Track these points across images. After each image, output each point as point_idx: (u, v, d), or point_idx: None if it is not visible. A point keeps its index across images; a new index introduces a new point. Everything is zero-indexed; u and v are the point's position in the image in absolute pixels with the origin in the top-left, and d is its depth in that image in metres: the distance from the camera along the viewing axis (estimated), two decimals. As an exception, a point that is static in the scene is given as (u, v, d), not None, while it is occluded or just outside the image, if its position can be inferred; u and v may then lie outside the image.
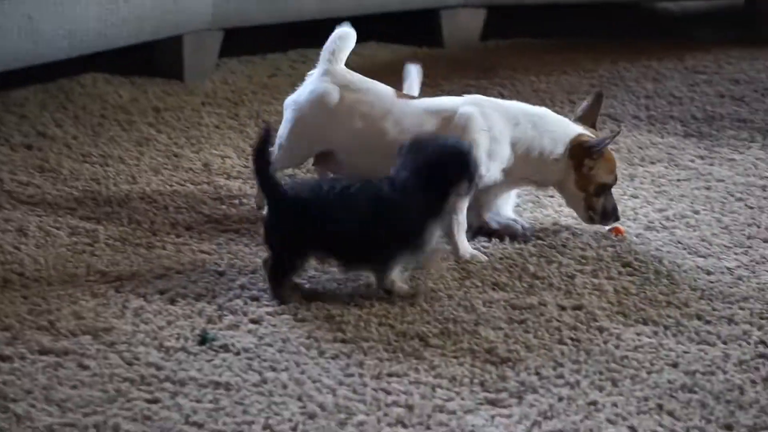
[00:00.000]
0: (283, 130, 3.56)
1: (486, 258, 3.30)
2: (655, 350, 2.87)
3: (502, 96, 4.54)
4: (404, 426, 2.56)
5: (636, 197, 3.73)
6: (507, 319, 3.00)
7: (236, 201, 3.70)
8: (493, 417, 2.60)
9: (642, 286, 3.18)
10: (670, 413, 2.62)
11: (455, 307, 3.05)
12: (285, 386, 2.69)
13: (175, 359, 2.80)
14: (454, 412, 2.61)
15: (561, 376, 2.75)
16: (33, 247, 3.34)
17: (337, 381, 2.71)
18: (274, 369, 2.76)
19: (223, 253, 3.35)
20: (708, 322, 3.00)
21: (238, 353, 2.82)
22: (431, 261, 3.21)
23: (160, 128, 4.29)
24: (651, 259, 3.34)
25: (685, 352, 2.86)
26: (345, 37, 3.55)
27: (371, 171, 3.33)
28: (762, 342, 2.91)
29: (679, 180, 3.93)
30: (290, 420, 2.57)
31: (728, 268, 3.30)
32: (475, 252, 3.32)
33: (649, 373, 2.77)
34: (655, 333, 2.95)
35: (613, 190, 3.49)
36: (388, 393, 2.67)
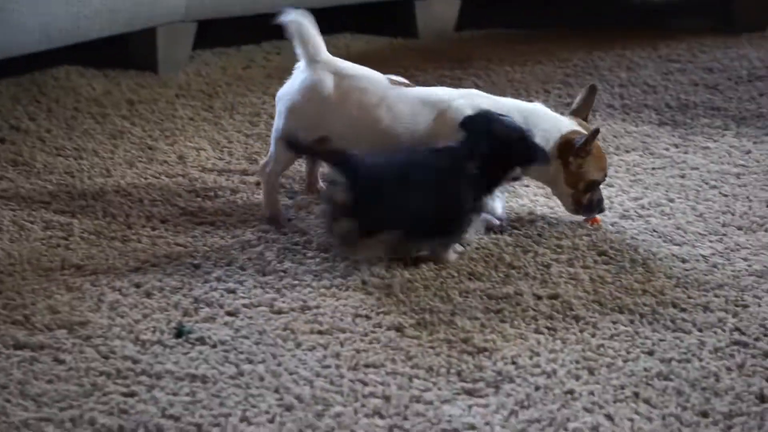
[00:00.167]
0: (277, 123, 3.53)
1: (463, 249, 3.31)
2: (631, 338, 2.88)
3: (477, 86, 4.54)
4: (381, 417, 2.56)
5: (611, 186, 3.73)
6: (483, 309, 3.00)
7: (211, 193, 3.69)
8: (470, 407, 2.60)
9: (617, 275, 3.19)
10: (647, 401, 2.62)
11: (431, 297, 3.05)
12: (262, 378, 2.69)
13: (151, 352, 2.79)
14: (431, 403, 2.61)
15: (537, 365, 2.75)
16: (7, 242, 3.32)
17: (314, 372, 2.71)
18: (250, 361, 2.76)
19: (198, 245, 3.34)
20: (683, 310, 3.01)
21: (214, 346, 2.82)
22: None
23: (134, 121, 4.28)
24: (626, 247, 3.35)
25: (661, 340, 2.87)
26: (300, 21, 3.45)
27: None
28: (737, 329, 2.92)
29: (653, 168, 3.94)
30: (267, 412, 2.57)
31: (703, 256, 3.31)
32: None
33: (625, 361, 2.78)
34: (631, 321, 2.96)
35: (589, 178, 3.50)
36: (365, 384, 2.67)
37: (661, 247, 3.36)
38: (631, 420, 2.56)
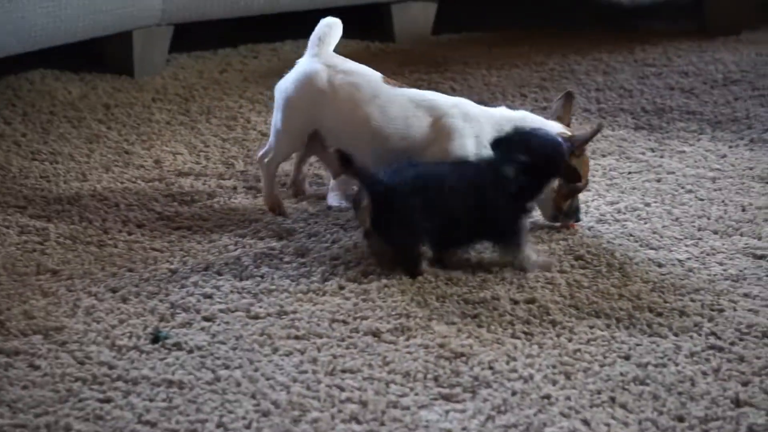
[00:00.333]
0: (276, 116, 3.53)
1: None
2: (608, 343, 2.88)
3: (454, 90, 4.55)
4: (358, 422, 2.56)
5: (587, 190, 3.74)
6: (460, 314, 3.00)
7: (188, 198, 3.68)
8: (447, 412, 2.60)
9: (594, 279, 3.19)
10: (623, 406, 2.63)
11: (408, 302, 3.05)
12: (238, 384, 2.68)
13: (127, 358, 2.78)
14: (408, 408, 2.61)
15: (514, 370, 2.76)
16: (-18, 247, 3.31)
17: (291, 378, 2.71)
18: (227, 367, 2.75)
19: (175, 250, 3.33)
20: (659, 315, 3.02)
21: (191, 351, 2.81)
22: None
23: (110, 125, 4.26)
24: (603, 252, 3.36)
25: (637, 345, 2.88)
26: (332, 25, 3.56)
27: (354, 154, 3.34)
28: (713, 333, 2.93)
29: (630, 172, 3.95)
30: (244, 418, 2.56)
31: (679, 260, 3.32)
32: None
33: (601, 365, 2.79)
34: (608, 326, 2.96)
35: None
36: (342, 389, 2.67)
37: (638, 252, 3.37)
38: (608, 425, 2.57)
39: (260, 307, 3.02)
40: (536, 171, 3.21)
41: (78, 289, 3.09)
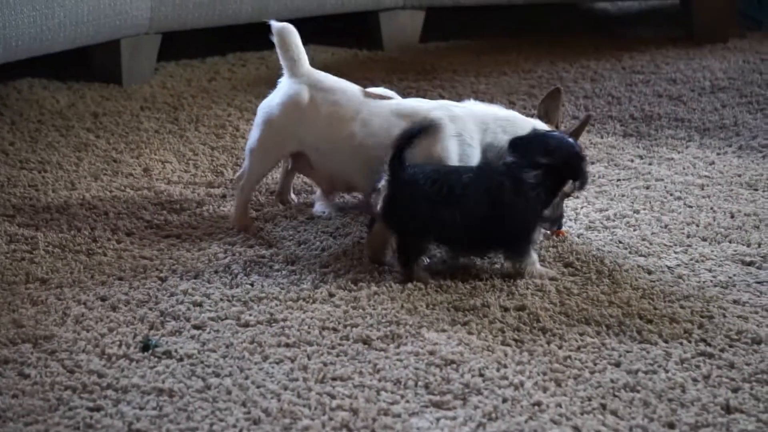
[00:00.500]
0: (252, 135, 3.50)
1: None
2: (598, 350, 2.88)
3: (442, 98, 4.54)
4: (349, 430, 2.56)
5: (576, 197, 3.74)
6: (450, 321, 3.00)
7: (177, 206, 3.67)
8: (438, 419, 2.60)
9: (584, 287, 3.19)
10: (613, 412, 2.63)
11: (399, 309, 3.05)
12: (229, 392, 2.68)
13: (117, 366, 2.78)
14: (398, 415, 2.61)
15: (505, 377, 2.76)
16: (-29, 255, 3.30)
17: (282, 386, 2.70)
18: (217, 375, 2.74)
19: (164, 258, 3.33)
20: (649, 321, 3.02)
21: (181, 359, 2.81)
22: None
23: (98, 133, 4.26)
24: (592, 259, 3.36)
25: (628, 352, 2.88)
26: (284, 32, 3.50)
27: (341, 172, 3.33)
28: (703, 340, 2.93)
29: (618, 180, 3.95)
30: (235, 426, 2.56)
31: (669, 267, 3.32)
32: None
33: (592, 372, 2.79)
34: (598, 333, 2.96)
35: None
36: (333, 397, 2.67)
37: (627, 259, 3.37)
38: (599, 431, 2.57)
39: (250, 314, 3.02)
40: (555, 174, 3.22)
41: (67, 298, 3.08)
